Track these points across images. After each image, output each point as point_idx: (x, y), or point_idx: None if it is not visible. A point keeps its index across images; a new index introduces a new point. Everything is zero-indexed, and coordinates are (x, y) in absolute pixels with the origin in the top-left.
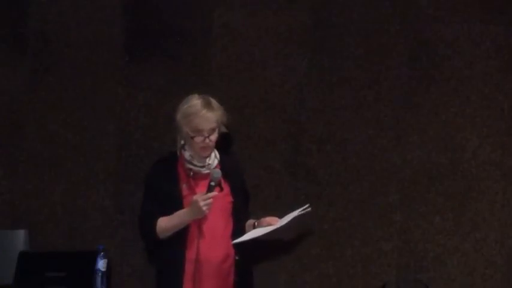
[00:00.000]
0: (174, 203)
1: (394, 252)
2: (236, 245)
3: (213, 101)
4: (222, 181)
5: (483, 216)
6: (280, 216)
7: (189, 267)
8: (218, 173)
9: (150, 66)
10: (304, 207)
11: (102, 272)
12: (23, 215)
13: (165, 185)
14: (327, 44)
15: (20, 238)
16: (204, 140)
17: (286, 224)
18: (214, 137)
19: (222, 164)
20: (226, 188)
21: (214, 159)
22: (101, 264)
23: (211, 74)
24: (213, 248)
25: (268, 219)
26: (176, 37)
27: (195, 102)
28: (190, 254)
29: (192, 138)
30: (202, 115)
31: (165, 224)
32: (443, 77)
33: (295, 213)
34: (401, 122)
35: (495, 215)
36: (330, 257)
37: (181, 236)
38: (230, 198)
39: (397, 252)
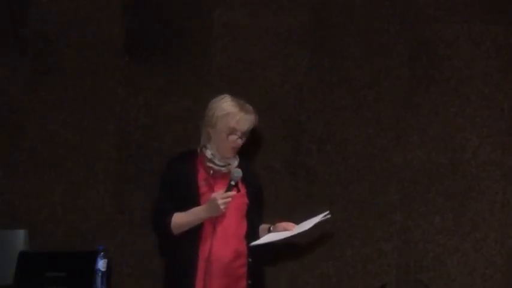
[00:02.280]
0: (191, 200)
1: (394, 252)
2: (252, 248)
3: (248, 105)
4: (240, 183)
5: (483, 216)
6: (285, 218)
7: (201, 265)
8: (239, 172)
9: (150, 66)
10: (325, 213)
11: (102, 272)
12: (23, 215)
13: (183, 182)
14: (327, 44)
15: (20, 238)
16: (236, 140)
17: (306, 230)
18: (244, 139)
19: (240, 167)
20: (243, 190)
21: (234, 160)
22: (101, 264)
23: (211, 74)
24: (224, 246)
25: (284, 224)
26: (176, 37)
27: (233, 103)
28: (203, 252)
29: (227, 136)
30: (242, 116)
31: (180, 219)
32: (443, 77)
33: (316, 220)
34: (401, 122)
35: (495, 215)
36: (330, 257)
37: (195, 234)
38: (246, 200)
39: (397, 252)
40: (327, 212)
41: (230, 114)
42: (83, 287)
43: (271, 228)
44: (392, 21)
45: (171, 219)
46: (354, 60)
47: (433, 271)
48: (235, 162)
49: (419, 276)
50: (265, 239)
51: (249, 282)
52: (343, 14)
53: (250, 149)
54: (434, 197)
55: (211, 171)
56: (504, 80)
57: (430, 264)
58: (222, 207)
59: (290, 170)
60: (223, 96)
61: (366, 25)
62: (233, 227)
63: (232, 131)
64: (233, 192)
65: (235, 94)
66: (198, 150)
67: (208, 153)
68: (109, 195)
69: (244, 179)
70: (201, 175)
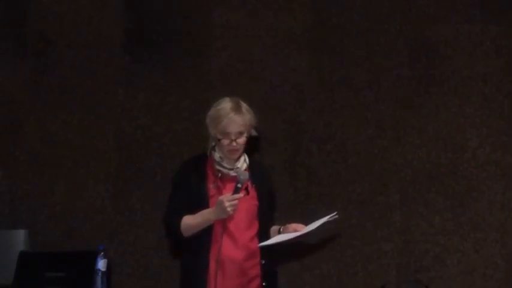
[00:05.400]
0: (200, 202)
1: (394, 252)
2: (262, 249)
3: (243, 105)
4: (249, 185)
5: (483, 216)
6: (284, 218)
7: (212, 266)
8: (245, 174)
9: (150, 66)
10: (332, 214)
11: (102, 272)
12: (23, 215)
13: (193, 184)
14: (327, 44)
15: (20, 238)
16: (231, 142)
17: (313, 230)
18: (241, 140)
19: (251, 169)
20: (253, 192)
21: (243, 163)
22: (101, 264)
23: (211, 74)
24: (234, 247)
25: (294, 225)
26: (176, 37)
27: (224, 105)
28: (214, 252)
29: (219, 140)
30: (230, 118)
31: (190, 221)
32: (443, 77)
33: (323, 220)
34: (401, 122)
35: (495, 215)
36: (330, 257)
37: (206, 235)
38: (256, 202)
39: (397, 252)
40: (335, 212)
41: (217, 119)
42: (83, 287)
43: (281, 230)
44: (393, 21)
45: (180, 221)
46: (354, 60)
47: (433, 271)
48: (244, 165)
49: (419, 276)
50: (274, 239)
51: (264, 284)
52: (343, 14)
53: (250, 148)
54: (434, 197)
55: (220, 174)
56: (504, 80)
57: (430, 264)
58: (229, 209)
59: (290, 170)
60: (220, 100)
61: (366, 25)
62: (243, 228)
63: (224, 135)
64: (240, 195)
65: (235, 94)
66: (208, 153)
67: (217, 156)
68: (109, 195)
69: (254, 181)
70: (210, 178)
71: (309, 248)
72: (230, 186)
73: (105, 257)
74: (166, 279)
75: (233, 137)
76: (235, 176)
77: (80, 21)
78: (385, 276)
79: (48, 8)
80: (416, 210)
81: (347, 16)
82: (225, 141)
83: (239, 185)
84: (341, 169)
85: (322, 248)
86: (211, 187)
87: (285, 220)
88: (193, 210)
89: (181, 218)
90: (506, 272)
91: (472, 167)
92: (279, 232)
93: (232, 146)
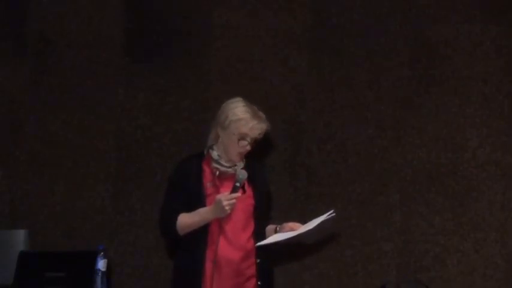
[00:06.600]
0: (197, 201)
1: (394, 252)
2: (259, 248)
3: (261, 112)
4: (246, 184)
5: (483, 216)
6: (284, 217)
7: (208, 266)
8: (244, 174)
9: (150, 66)
10: (329, 212)
11: (102, 272)
12: (23, 215)
13: (190, 183)
14: (327, 44)
15: (20, 238)
16: (246, 145)
17: (310, 229)
18: (252, 145)
19: (247, 168)
20: (249, 191)
21: (240, 162)
22: (101, 264)
23: (211, 74)
24: (231, 247)
25: (291, 224)
26: (176, 37)
27: (248, 109)
28: (210, 253)
29: (238, 140)
30: (255, 123)
31: (186, 220)
32: (443, 77)
33: (321, 218)
34: (401, 122)
35: (495, 215)
36: (330, 257)
37: (202, 235)
38: (252, 201)
39: (397, 252)
40: (332, 211)
41: (243, 120)
42: (83, 287)
43: (278, 229)
44: (393, 21)
45: (176, 219)
46: (354, 60)
47: (433, 271)
48: (241, 164)
49: (419, 276)
50: (271, 239)
51: (259, 283)
52: (343, 14)
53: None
54: (434, 197)
55: (217, 172)
56: (504, 80)
57: (430, 264)
58: (227, 208)
59: (290, 170)
60: (236, 99)
61: (366, 25)
62: (239, 227)
63: (243, 137)
64: (238, 194)
65: (235, 94)
66: (205, 152)
67: (215, 154)
68: (109, 195)
69: (251, 180)
70: (207, 176)
71: (308, 247)
72: (227, 184)
73: (105, 257)
74: (166, 279)
75: (250, 141)
76: (232, 174)
77: (80, 21)
78: (385, 276)
79: (48, 8)
80: (416, 210)
81: (347, 16)
82: (243, 143)
83: (237, 184)
84: (341, 169)
85: (321, 247)
86: (208, 186)
87: (285, 220)
88: (189, 209)
89: (177, 216)
90: (506, 272)
91: (472, 167)
92: (275, 231)
93: (246, 148)
